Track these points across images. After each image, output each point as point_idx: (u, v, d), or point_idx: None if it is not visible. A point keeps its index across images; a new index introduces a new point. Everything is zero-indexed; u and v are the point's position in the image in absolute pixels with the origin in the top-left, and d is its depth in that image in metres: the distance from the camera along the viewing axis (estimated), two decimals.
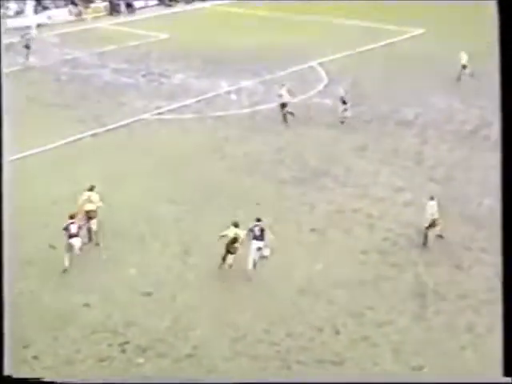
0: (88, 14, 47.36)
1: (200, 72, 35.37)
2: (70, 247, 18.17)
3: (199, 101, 30.59)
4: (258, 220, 18.36)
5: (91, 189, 19.53)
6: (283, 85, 28.80)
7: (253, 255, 18.06)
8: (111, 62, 36.84)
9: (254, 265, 18.03)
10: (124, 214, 20.94)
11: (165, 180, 23.45)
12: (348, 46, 39.00)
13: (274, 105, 30.47)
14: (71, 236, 18.09)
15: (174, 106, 30.16)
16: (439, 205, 19.57)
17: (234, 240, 17.99)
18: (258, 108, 30.13)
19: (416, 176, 23.91)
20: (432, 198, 19.60)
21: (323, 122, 28.75)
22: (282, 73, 35.13)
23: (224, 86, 33.29)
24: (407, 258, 19.04)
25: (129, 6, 49.92)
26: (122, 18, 47.87)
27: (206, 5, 52.45)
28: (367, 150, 26.18)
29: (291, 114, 28.17)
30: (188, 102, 30.90)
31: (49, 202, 21.11)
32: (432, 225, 19.49)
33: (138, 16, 48.59)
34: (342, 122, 28.18)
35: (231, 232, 18.05)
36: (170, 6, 51.66)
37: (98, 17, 47.63)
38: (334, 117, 29.39)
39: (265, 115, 29.50)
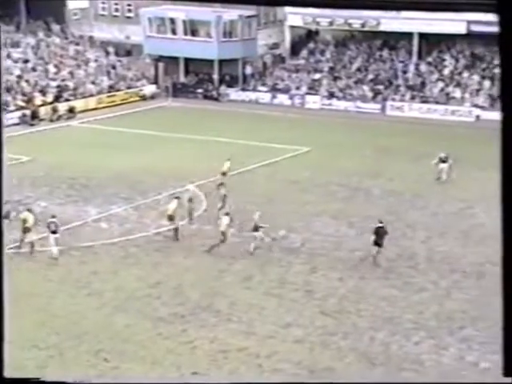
0: None
1: (65, 198, 35.18)
2: None
3: (63, 231, 30.25)
4: (54, 216, 27.90)
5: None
6: None
7: (53, 246, 27.46)
8: None
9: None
10: None
11: (25, 322, 22.78)
12: (230, 166, 39.83)
13: (150, 233, 30.66)
14: None
15: (34, 237, 29.69)
16: (330, 340, 19.88)
17: (24, 221, 27.84)
18: (130, 237, 30.09)
19: (305, 309, 24.28)
20: None
21: (204, 251, 28.95)
22: (158, 197, 35.42)
23: (92, 213, 33.19)
24: None
25: None
26: None
27: (73, 123, 52.80)
28: (252, 280, 26.47)
29: None
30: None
31: None
32: None
33: None
34: None
35: (23, 215, 28.21)
36: (32, 124, 51.61)
37: None
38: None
39: (139, 245, 29.48)
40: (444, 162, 37.68)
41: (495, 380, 12.73)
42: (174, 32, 62.48)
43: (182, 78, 64.04)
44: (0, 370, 7.32)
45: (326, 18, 61.05)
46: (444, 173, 37.68)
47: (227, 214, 29.40)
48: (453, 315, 23.74)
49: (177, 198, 31.24)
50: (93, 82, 59.37)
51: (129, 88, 60.76)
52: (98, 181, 37.69)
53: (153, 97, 61.07)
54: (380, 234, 27.45)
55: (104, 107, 57.10)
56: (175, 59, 63.31)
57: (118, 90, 59.90)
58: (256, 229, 28.71)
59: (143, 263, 27.76)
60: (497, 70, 56.22)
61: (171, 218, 30.24)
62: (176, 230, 30.08)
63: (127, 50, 67.31)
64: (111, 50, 65.18)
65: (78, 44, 64.61)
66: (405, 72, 59.17)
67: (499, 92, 6.29)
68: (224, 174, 36.76)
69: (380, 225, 27.71)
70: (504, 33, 6.05)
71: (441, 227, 31.67)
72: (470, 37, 57.15)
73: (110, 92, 59.24)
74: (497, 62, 56.87)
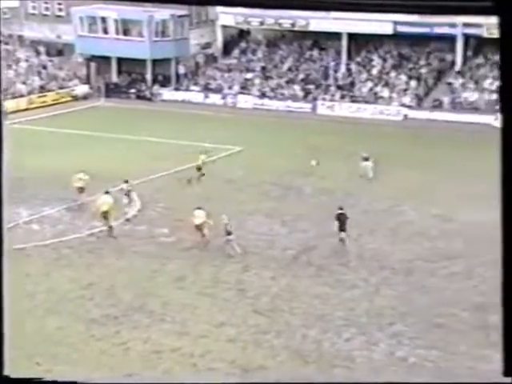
0: None
1: None
2: None
3: None
4: None
5: None
6: None
7: None
8: None
9: None
10: None
11: None
12: (163, 166, 39.57)
13: (83, 234, 30.22)
14: None
15: None
16: (263, 339, 19.84)
17: None
18: (63, 239, 29.62)
19: (238, 308, 24.19)
20: None
21: (137, 251, 28.68)
22: (91, 197, 34.86)
23: (24, 214, 32.52)
24: None
25: None
26: None
27: (5, 122, 51.66)
28: (185, 280, 26.28)
29: None
30: None
31: None
32: None
33: None
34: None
35: None
36: None
37: None
38: (149, 244, 29.45)
39: (71, 246, 29.04)
40: (366, 160, 38.29)
41: (495, 380, 12.77)
42: (105, 31, 61.74)
43: (115, 78, 63.30)
44: (0, 370, 7.20)
45: (256, 18, 61.08)
46: (369, 170, 38.11)
47: (199, 208, 29.10)
48: (382, 311, 23.94)
49: (106, 192, 30.98)
50: (23, 82, 58.30)
51: (60, 88, 59.79)
52: (30, 182, 36.93)
53: (85, 97, 60.22)
54: (341, 219, 28.77)
55: (35, 108, 56.05)
56: (107, 59, 62.56)
57: (50, 91, 58.90)
58: (229, 232, 28.40)
59: (76, 265, 27.35)
60: (423, 70, 57.06)
61: (105, 216, 29.94)
62: (110, 227, 29.81)
63: (58, 50, 66.24)
64: (42, 49, 64.11)
65: (7, 43, 63.34)
66: (335, 71, 59.57)
67: (499, 92, 6.29)
68: (199, 168, 37.15)
69: (340, 211, 28.98)
70: (504, 34, 6.04)
71: (371, 225, 31.93)
72: (397, 37, 57.83)
73: (41, 92, 58.22)
74: (423, 62, 57.76)
